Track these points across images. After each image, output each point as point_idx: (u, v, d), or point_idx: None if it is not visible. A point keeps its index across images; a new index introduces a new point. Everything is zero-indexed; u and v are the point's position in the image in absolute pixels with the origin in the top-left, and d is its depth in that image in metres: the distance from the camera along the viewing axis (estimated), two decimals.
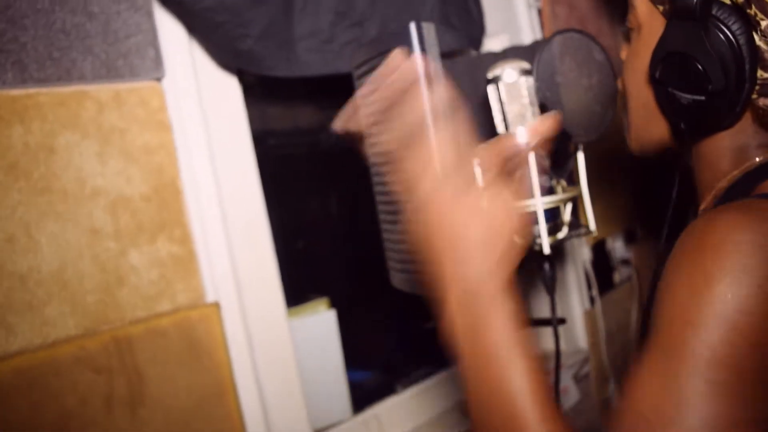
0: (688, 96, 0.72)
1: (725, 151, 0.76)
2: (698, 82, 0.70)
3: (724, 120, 0.73)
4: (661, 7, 0.75)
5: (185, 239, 1.10)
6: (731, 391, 0.56)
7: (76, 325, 1.00)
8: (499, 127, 0.93)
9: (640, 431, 0.57)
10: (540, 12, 1.72)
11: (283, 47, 1.07)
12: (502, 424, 0.60)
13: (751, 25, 0.67)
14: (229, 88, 1.17)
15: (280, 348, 1.20)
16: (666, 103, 0.75)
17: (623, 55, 0.85)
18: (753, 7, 0.66)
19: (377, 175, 0.99)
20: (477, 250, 0.64)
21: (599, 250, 1.85)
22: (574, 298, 1.74)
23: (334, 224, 1.75)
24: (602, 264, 1.84)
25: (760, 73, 0.69)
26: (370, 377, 1.69)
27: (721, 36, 0.67)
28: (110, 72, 1.06)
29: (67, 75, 1.02)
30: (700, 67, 0.69)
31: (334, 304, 1.39)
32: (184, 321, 1.09)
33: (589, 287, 1.75)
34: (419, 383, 1.55)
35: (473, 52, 1.22)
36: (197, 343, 1.10)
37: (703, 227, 0.62)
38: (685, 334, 0.59)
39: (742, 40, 0.67)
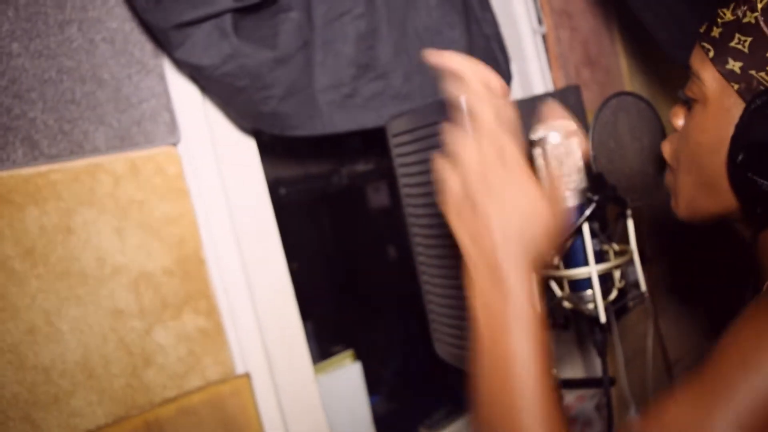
0: None
1: None
2: None
3: None
4: (737, 85, 0.71)
5: (211, 311, 1.05)
6: None
7: (105, 413, 0.95)
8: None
9: None
10: (545, 37, 1.69)
11: (305, 105, 1.03)
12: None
13: None
14: (246, 147, 1.12)
15: (311, 412, 1.15)
16: (744, 188, 0.71)
17: (677, 122, 0.81)
18: None
19: (424, 247, 0.95)
20: (516, 233, 0.62)
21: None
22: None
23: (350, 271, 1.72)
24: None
25: None
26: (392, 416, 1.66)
27: None
28: (124, 141, 1.00)
29: (79, 148, 0.96)
30: None
31: (356, 350, 1.35)
32: (215, 396, 1.04)
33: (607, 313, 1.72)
34: (444, 428, 1.51)
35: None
36: (230, 418, 1.05)
37: (750, 319, 0.61)
38: (735, 373, 0.58)
39: None
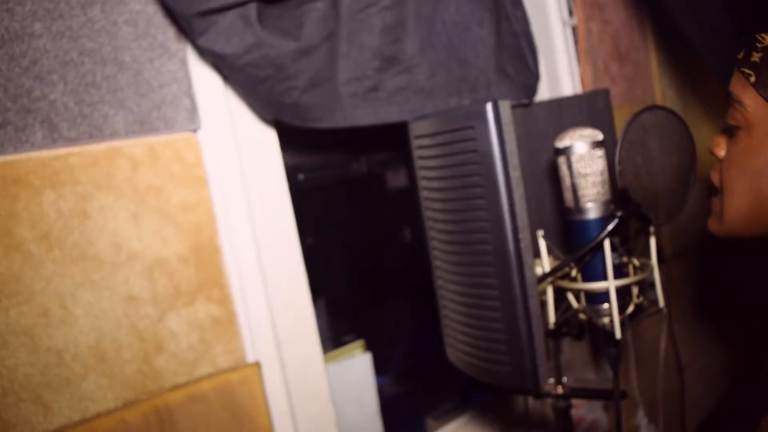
0: None
1: None
2: None
3: None
4: None
5: (224, 299, 1.05)
6: None
7: (115, 397, 0.95)
8: (568, 201, 0.88)
9: None
10: (575, 30, 1.65)
11: (328, 97, 1.01)
12: None
13: None
14: (267, 136, 1.10)
15: (319, 402, 1.16)
16: None
17: (719, 152, 0.79)
18: None
19: (440, 252, 0.93)
20: None
21: None
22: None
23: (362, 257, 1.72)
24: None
25: None
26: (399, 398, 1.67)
27: None
28: (144, 126, 0.99)
29: (98, 132, 0.95)
30: None
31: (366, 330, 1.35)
32: (225, 384, 1.04)
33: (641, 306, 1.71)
34: (451, 420, 1.52)
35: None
36: (238, 406, 1.05)
37: None
38: None
39: None
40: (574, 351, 1.72)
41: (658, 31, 1.89)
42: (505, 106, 0.75)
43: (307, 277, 1.17)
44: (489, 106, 0.73)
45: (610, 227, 0.80)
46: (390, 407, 1.81)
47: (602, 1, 1.73)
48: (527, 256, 0.75)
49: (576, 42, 1.66)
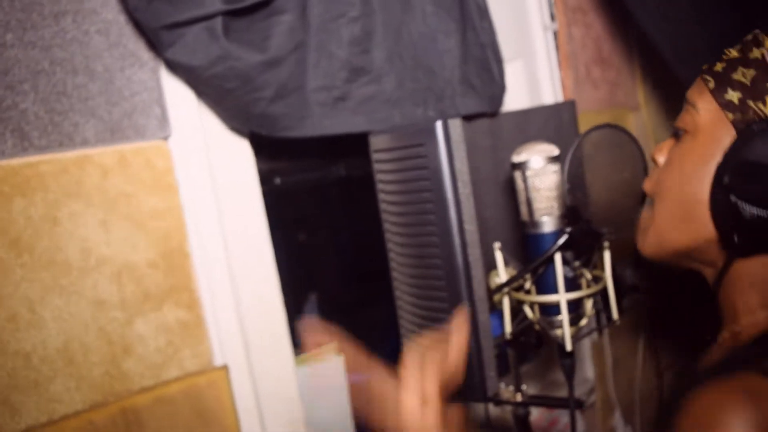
0: (755, 210, 0.69)
1: (761, 280, 0.74)
2: None
3: None
4: (732, 115, 0.73)
5: (193, 304, 1.07)
6: None
7: (82, 399, 0.98)
8: (524, 214, 0.89)
9: None
10: (556, 35, 1.66)
11: (297, 106, 1.03)
12: None
13: None
14: (239, 142, 1.12)
15: (289, 405, 1.18)
16: (724, 213, 0.72)
17: (659, 158, 0.81)
18: None
19: (396, 254, 0.95)
20: None
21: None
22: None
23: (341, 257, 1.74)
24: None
25: None
26: None
27: None
28: (114, 134, 1.01)
29: (69, 140, 0.97)
30: None
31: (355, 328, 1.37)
32: (193, 387, 1.07)
33: (598, 317, 1.73)
34: None
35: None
36: (206, 409, 1.08)
37: (697, 417, 0.62)
38: None
39: None
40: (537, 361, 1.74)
41: (642, 35, 1.90)
42: (454, 124, 0.76)
43: (299, 275, 1.19)
44: (438, 124, 0.75)
45: (559, 242, 0.82)
46: None
47: (585, 6, 1.74)
48: (476, 270, 0.77)
49: (557, 47, 1.67)
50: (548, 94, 1.64)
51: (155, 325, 1.04)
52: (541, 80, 1.64)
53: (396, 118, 1.06)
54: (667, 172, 0.79)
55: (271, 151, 1.32)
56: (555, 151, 0.87)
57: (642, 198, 0.83)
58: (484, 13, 1.09)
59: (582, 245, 0.89)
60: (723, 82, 0.75)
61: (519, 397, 0.99)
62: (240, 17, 0.96)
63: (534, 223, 0.87)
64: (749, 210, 0.68)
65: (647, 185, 0.82)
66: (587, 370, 1.73)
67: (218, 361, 1.09)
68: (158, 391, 1.04)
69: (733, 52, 0.77)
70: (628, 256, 1.88)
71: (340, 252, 1.94)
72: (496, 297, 0.92)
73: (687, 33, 1.21)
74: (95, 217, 0.99)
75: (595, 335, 1.74)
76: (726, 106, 0.74)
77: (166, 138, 1.06)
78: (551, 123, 1.05)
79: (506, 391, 1.00)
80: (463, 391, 0.80)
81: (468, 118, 1.04)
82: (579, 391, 1.70)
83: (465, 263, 0.77)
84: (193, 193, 1.07)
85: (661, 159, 0.81)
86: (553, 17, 1.66)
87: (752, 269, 0.74)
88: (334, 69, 1.04)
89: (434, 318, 0.83)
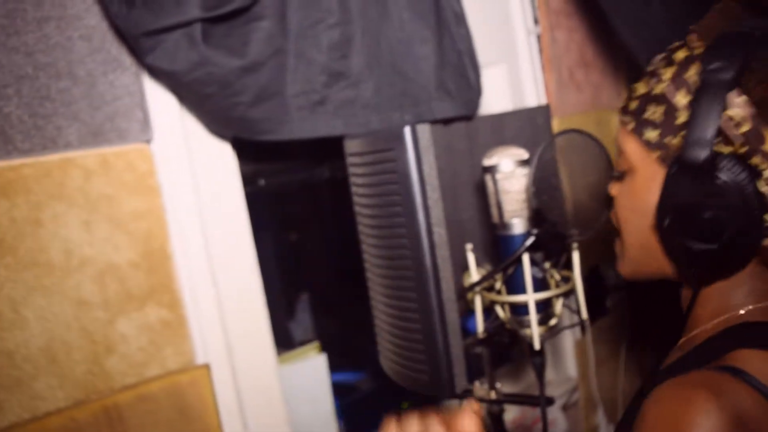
0: (701, 245, 0.71)
1: (719, 291, 0.76)
2: (712, 232, 0.70)
3: (736, 265, 0.73)
4: (656, 153, 0.75)
5: (175, 304, 1.09)
6: None
7: (65, 396, 1.00)
8: (494, 216, 0.92)
9: None
10: (539, 38, 1.68)
11: (277, 110, 1.05)
12: None
13: (754, 173, 0.67)
14: (221, 145, 1.14)
15: (270, 403, 1.20)
16: (676, 252, 0.75)
17: (614, 191, 0.84)
18: (757, 155, 0.66)
19: (370, 259, 0.97)
20: None
21: (593, 275, 1.84)
22: (565, 330, 1.74)
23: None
24: (596, 290, 1.84)
25: (765, 217, 0.69)
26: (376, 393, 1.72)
27: (732, 185, 0.67)
28: (97, 137, 1.03)
29: (52, 143, 1.00)
30: (712, 217, 0.69)
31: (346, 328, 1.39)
32: (174, 385, 1.09)
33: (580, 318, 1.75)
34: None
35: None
36: (187, 406, 1.10)
37: (663, 412, 0.64)
38: None
39: (750, 189, 0.67)
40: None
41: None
42: (423, 129, 0.79)
43: (291, 274, 1.21)
44: (407, 130, 0.77)
45: (527, 244, 0.84)
46: (366, 403, 1.86)
47: (569, 9, 1.76)
48: (444, 272, 0.79)
49: (540, 50, 1.69)
50: (531, 97, 1.66)
51: (137, 324, 1.06)
52: (525, 83, 1.66)
53: (374, 122, 1.08)
54: (621, 212, 0.82)
55: (256, 153, 1.34)
56: (525, 154, 0.89)
57: (608, 201, 0.86)
58: (460, 20, 1.11)
59: (551, 246, 0.91)
60: (639, 122, 0.77)
61: (493, 395, 1.02)
62: (219, 24, 0.98)
63: (504, 225, 0.90)
64: (696, 246, 0.70)
65: (613, 218, 0.85)
66: (570, 369, 1.76)
67: (200, 359, 1.12)
68: (140, 389, 1.06)
69: (641, 87, 0.79)
70: (610, 257, 1.90)
71: (330, 252, 1.96)
72: (469, 296, 0.94)
73: (662, 39, 1.23)
74: (78, 218, 1.02)
75: (578, 334, 1.76)
76: (648, 145, 0.76)
77: (148, 141, 1.08)
78: (527, 126, 1.07)
79: (481, 389, 1.02)
80: (433, 389, 0.82)
81: (445, 122, 1.07)
82: (562, 390, 1.72)
83: (433, 264, 0.79)
84: (174, 195, 1.09)
85: (613, 192, 0.83)
86: (536, 21, 1.68)
87: (714, 285, 0.77)
88: (313, 74, 1.07)
89: (405, 318, 0.85)
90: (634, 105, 0.78)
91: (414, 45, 1.08)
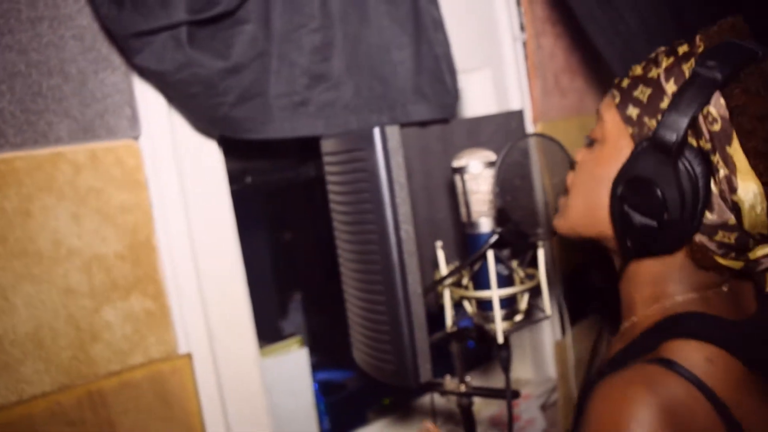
0: (643, 219, 0.76)
1: (652, 277, 0.81)
2: (656, 210, 0.75)
3: (667, 248, 0.77)
4: (631, 130, 0.79)
5: (159, 294, 1.14)
6: None
7: (51, 381, 1.04)
8: (463, 215, 0.96)
9: None
10: (525, 45, 1.73)
11: (260, 111, 1.09)
12: None
13: (711, 170, 0.72)
14: (207, 142, 1.19)
15: (251, 394, 1.24)
16: (619, 220, 0.80)
17: (579, 156, 0.89)
18: (717, 155, 0.71)
19: (344, 253, 1.00)
20: None
21: (575, 277, 1.88)
22: (546, 328, 1.78)
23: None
24: (579, 291, 1.87)
25: (706, 213, 0.73)
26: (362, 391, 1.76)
27: (687, 174, 0.72)
28: (87, 133, 1.08)
29: (43, 138, 1.04)
30: (661, 196, 0.74)
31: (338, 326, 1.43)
32: (157, 373, 1.13)
33: (561, 318, 1.79)
34: (390, 414, 1.60)
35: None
36: (169, 393, 1.14)
37: (603, 409, 0.69)
38: None
39: (701, 183, 0.72)
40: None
41: None
42: (392, 130, 0.83)
43: (284, 272, 1.24)
44: (376, 131, 0.82)
45: (490, 242, 0.88)
46: (353, 401, 1.89)
47: (555, 17, 1.80)
48: (411, 267, 0.83)
49: (526, 56, 1.73)
50: (516, 102, 1.70)
51: (122, 313, 1.10)
52: (510, 89, 1.70)
53: (353, 123, 1.13)
54: (579, 174, 0.87)
55: (243, 152, 1.38)
56: (492, 157, 0.93)
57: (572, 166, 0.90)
58: (438, 26, 1.15)
59: (516, 245, 0.95)
60: (626, 98, 0.82)
61: (463, 388, 1.06)
62: (204, 27, 1.02)
63: (472, 224, 0.94)
64: (638, 219, 0.75)
65: (568, 179, 0.89)
66: (550, 369, 1.80)
67: (182, 349, 1.16)
68: (124, 375, 1.10)
69: (638, 69, 0.84)
70: (594, 258, 1.94)
71: (322, 250, 1.99)
72: (440, 291, 0.99)
73: (636, 51, 1.28)
74: (67, 210, 1.06)
75: (558, 335, 1.80)
76: (627, 120, 0.81)
77: (136, 137, 1.12)
78: (501, 130, 1.11)
79: (451, 382, 1.06)
80: (399, 379, 0.86)
81: (422, 125, 1.11)
82: (541, 390, 1.76)
83: (400, 259, 0.83)
84: (161, 190, 1.13)
85: (578, 157, 0.88)
86: (522, 28, 1.73)
87: (646, 267, 0.81)
88: (295, 76, 1.11)
89: (374, 310, 0.89)
90: (626, 83, 0.83)
91: (392, 50, 1.12)
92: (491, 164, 0.92)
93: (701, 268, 0.79)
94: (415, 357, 0.84)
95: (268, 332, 1.27)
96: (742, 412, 0.69)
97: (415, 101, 1.11)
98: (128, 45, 1.01)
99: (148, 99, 1.12)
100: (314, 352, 1.47)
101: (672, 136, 0.73)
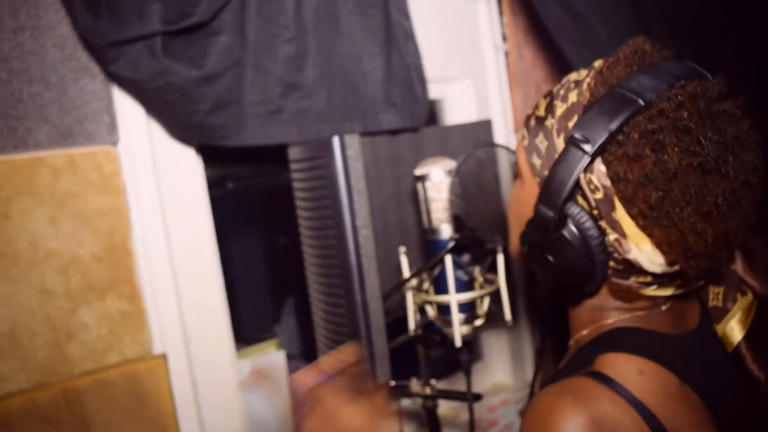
0: (550, 274, 0.78)
1: (589, 305, 0.82)
2: (552, 271, 0.77)
3: (582, 295, 0.81)
4: (537, 179, 0.79)
5: (134, 296, 1.17)
6: None
7: (27, 379, 1.07)
8: (425, 222, 0.99)
9: None
10: (507, 54, 1.76)
11: (234, 118, 1.12)
12: None
13: (602, 233, 0.73)
14: (185, 151, 1.22)
15: (226, 395, 1.27)
16: (536, 259, 0.80)
17: (512, 189, 0.89)
18: (604, 220, 0.72)
19: (309, 257, 1.02)
20: None
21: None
22: (525, 334, 1.81)
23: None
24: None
25: (611, 263, 0.75)
26: None
27: (578, 238, 0.73)
28: (66, 138, 1.11)
29: (23, 143, 1.07)
30: (553, 261, 0.76)
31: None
32: (131, 372, 1.16)
33: (541, 324, 1.81)
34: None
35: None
36: (144, 392, 1.17)
37: (533, 420, 0.70)
38: None
39: (594, 244, 0.73)
40: (493, 354, 1.83)
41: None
42: (351, 139, 0.86)
43: (279, 275, 1.27)
44: (335, 140, 0.85)
45: (447, 247, 0.91)
46: None
47: (537, 27, 1.83)
48: (369, 271, 0.86)
49: (507, 66, 1.76)
50: (497, 111, 1.73)
51: (98, 314, 1.14)
52: (491, 98, 1.73)
53: (326, 130, 1.16)
54: (509, 210, 0.87)
55: (224, 158, 1.41)
56: (453, 164, 0.96)
57: None
58: (409, 38, 1.19)
59: (476, 251, 0.98)
60: (531, 146, 0.80)
61: (428, 391, 1.08)
62: (179, 37, 1.06)
63: (432, 230, 0.97)
64: (545, 273, 0.76)
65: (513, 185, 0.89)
66: (529, 374, 1.82)
67: (157, 349, 1.19)
68: (99, 374, 1.13)
69: (541, 108, 0.80)
70: None
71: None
72: (404, 294, 1.01)
73: (581, 33, 1.30)
74: (45, 213, 1.09)
75: (539, 340, 1.82)
76: (533, 168, 0.79)
77: (114, 143, 1.15)
78: (471, 139, 1.14)
79: (416, 384, 1.09)
80: None
81: (392, 133, 1.14)
82: (519, 395, 1.78)
83: (358, 263, 0.86)
84: (138, 195, 1.16)
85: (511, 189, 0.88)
86: (504, 38, 1.76)
87: (583, 297, 0.82)
88: (269, 85, 1.14)
89: (336, 313, 0.92)
90: (533, 122, 0.81)
91: (363, 60, 1.15)
92: (452, 172, 0.95)
93: (629, 301, 0.80)
94: (373, 359, 0.87)
95: (266, 337, 1.30)
96: (673, 425, 0.70)
97: (385, 110, 1.14)
98: (104, 54, 1.04)
99: (127, 106, 1.15)
100: (308, 356, 1.50)
101: (549, 212, 0.73)
